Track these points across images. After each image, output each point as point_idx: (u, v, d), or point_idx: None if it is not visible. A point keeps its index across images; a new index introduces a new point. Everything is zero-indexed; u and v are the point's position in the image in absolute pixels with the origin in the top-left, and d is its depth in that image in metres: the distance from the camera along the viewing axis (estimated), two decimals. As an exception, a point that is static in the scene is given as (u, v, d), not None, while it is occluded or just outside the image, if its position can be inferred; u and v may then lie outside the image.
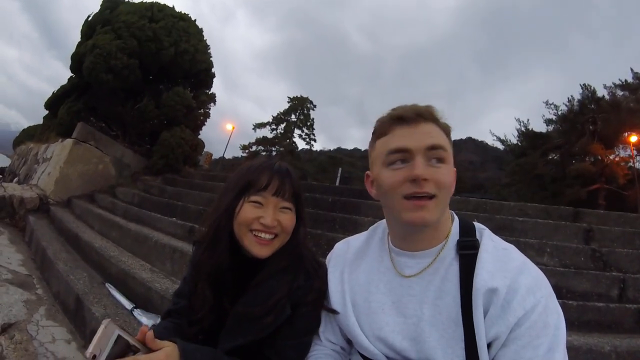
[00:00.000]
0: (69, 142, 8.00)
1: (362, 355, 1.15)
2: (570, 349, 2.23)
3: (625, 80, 23.72)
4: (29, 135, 16.29)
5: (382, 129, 1.13)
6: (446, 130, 1.09)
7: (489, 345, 0.96)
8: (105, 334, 0.95)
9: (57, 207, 6.93)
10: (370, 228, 1.35)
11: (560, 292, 3.13)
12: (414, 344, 1.03)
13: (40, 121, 14.63)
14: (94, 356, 0.91)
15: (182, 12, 11.10)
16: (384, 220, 1.26)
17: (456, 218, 1.15)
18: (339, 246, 1.38)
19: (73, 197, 7.39)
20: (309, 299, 1.21)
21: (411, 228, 1.09)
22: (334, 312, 1.21)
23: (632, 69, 23.85)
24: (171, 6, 10.95)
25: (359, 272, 1.22)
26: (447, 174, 1.04)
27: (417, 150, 1.04)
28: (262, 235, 1.21)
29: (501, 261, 1.01)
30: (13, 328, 2.81)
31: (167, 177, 8.22)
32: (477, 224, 1.14)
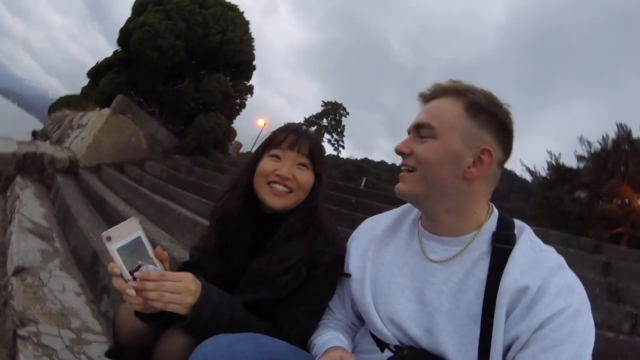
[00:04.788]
0: (106, 111, 8.09)
1: (373, 336, 1.12)
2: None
3: (664, 125, 22.78)
4: (65, 102, 16.64)
5: None
6: (469, 102, 1.03)
7: (508, 347, 0.89)
8: (128, 227, 0.97)
9: (85, 171, 6.97)
10: (403, 206, 1.27)
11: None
12: (427, 335, 0.99)
13: (78, 91, 14.96)
14: (108, 238, 0.94)
15: (232, 3, 11.19)
16: None
17: (495, 211, 1.08)
18: (367, 222, 1.33)
19: (103, 164, 7.44)
20: (325, 262, 1.21)
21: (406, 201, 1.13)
22: (348, 275, 1.19)
23: (673, 115, 23.01)
24: (221, -5, 11.07)
25: (386, 252, 1.17)
26: (428, 148, 1.02)
27: (410, 128, 1.09)
28: (277, 186, 1.24)
29: (536, 260, 0.94)
30: (26, 272, 2.74)
31: (196, 159, 8.21)
32: (517, 221, 1.07)
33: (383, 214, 1.31)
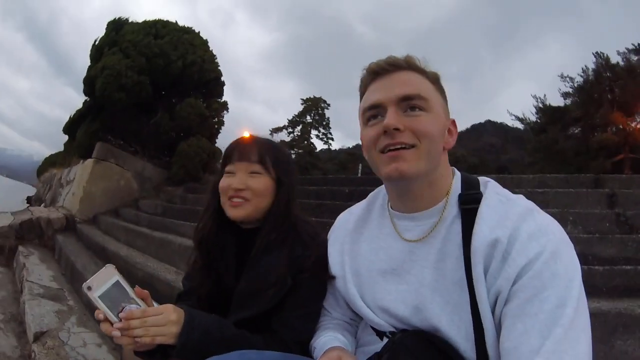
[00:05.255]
0: (89, 161, 8.18)
1: (372, 327, 1.11)
2: (599, 314, 2.05)
3: (639, 44, 21.76)
4: (51, 162, 16.74)
5: (362, 87, 1.10)
6: (431, 77, 1.04)
7: (495, 305, 0.88)
8: (105, 275, 1.04)
9: (83, 225, 7.09)
10: (370, 194, 1.28)
11: (586, 259, 2.93)
12: (416, 312, 0.98)
13: (61, 148, 15.06)
14: (89, 288, 1.01)
15: (186, 26, 11.21)
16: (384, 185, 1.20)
17: (457, 173, 1.09)
18: (341, 217, 1.34)
19: (98, 214, 7.54)
20: (308, 265, 1.23)
21: (397, 184, 1.05)
22: (333, 277, 1.20)
23: (645, 32, 22.61)
24: (174, 21, 11.09)
25: (361, 242, 1.18)
26: (427, 121, 0.98)
27: (388, 101, 0.99)
28: (235, 199, 1.29)
29: (503, 212, 0.93)
30: (45, 336, 2.86)
31: (188, 186, 8.31)
32: (482, 177, 1.07)
33: (354, 205, 1.32)
